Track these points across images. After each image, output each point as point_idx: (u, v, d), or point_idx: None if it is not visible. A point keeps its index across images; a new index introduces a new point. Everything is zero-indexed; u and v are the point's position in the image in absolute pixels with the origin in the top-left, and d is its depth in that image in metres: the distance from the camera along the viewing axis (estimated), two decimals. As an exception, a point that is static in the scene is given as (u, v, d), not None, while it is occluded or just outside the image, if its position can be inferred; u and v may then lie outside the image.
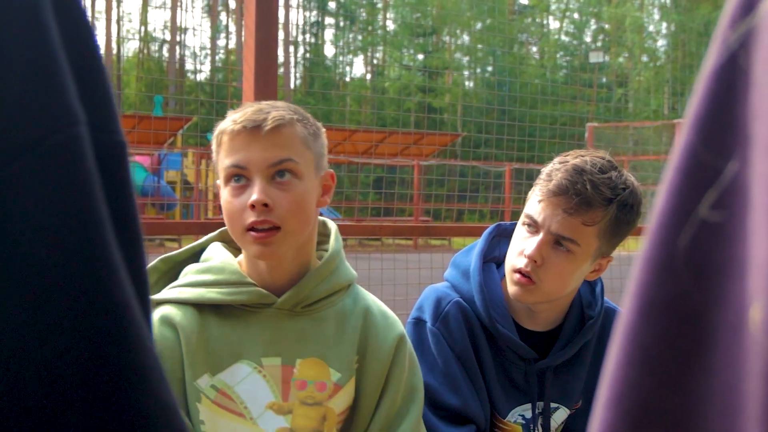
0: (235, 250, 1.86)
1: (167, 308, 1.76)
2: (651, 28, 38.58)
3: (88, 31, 0.56)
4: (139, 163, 16.83)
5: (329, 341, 1.80)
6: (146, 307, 0.56)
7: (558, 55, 41.30)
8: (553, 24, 44.61)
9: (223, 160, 1.72)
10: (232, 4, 41.41)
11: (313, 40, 45.01)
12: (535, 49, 42.08)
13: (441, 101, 31.53)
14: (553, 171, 1.94)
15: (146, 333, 0.53)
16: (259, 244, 1.69)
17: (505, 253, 2.05)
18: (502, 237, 2.16)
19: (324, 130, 1.84)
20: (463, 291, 2.08)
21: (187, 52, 40.81)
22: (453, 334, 2.04)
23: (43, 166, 0.49)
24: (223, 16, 43.18)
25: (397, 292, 5.30)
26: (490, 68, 36.54)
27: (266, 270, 1.78)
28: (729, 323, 0.39)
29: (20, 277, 0.48)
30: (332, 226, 1.93)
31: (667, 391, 0.41)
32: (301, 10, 43.03)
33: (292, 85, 39.38)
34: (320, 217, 1.89)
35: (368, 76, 43.01)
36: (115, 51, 33.80)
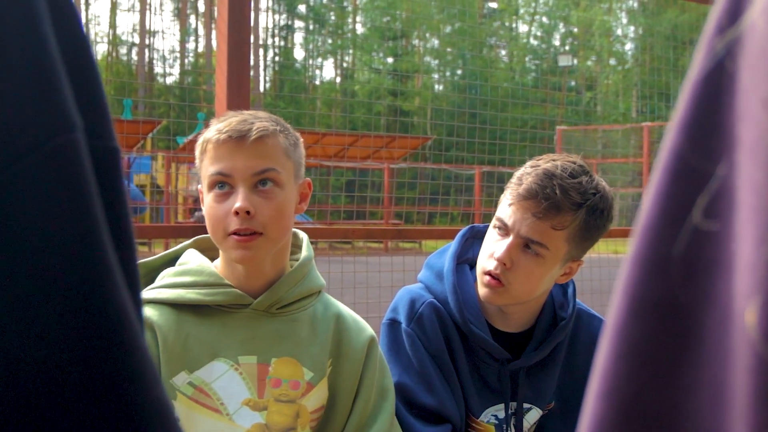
0: (211, 258, 1.91)
1: (144, 309, 1.78)
2: (619, 31, 38.76)
3: (83, 38, 0.57)
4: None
5: (303, 342, 1.86)
6: (139, 309, 0.57)
7: (527, 59, 41.38)
8: (522, 27, 44.73)
9: (207, 167, 1.78)
10: (202, 8, 41.24)
11: (282, 43, 44.84)
12: (504, 52, 42.11)
13: (411, 104, 31.50)
14: (523, 175, 1.96)
15: (140, 334, 0.54)
16: (241, 247, 1.75)
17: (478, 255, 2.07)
18: (475, 239, 2.17)
19: (302, 139, 1.90)
20: (437, 292, 2.10)
21: (156, 55, 40.59)
22: (427, 334, 2.05)
23: (41, 169, 0.50)
24: (192, 19, 42.98)
25: (369, 294, 5.30)
26: (459, 71, 36.61)
27: (243, 273, 1.83)
28: (716, 320, 0.40)
29: (18, 279, 0.48)
30: (303, 236, 2.00)
31: (657, 385, 0.42)
32: (270, 13, 42.89)
33: (261, 89, 39.22)
34: (293, 229, 1.94)
35: (338, 80, 42.91)
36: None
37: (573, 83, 36.05)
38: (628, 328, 0.44)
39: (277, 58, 43.94)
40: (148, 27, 39.94)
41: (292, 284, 1.86)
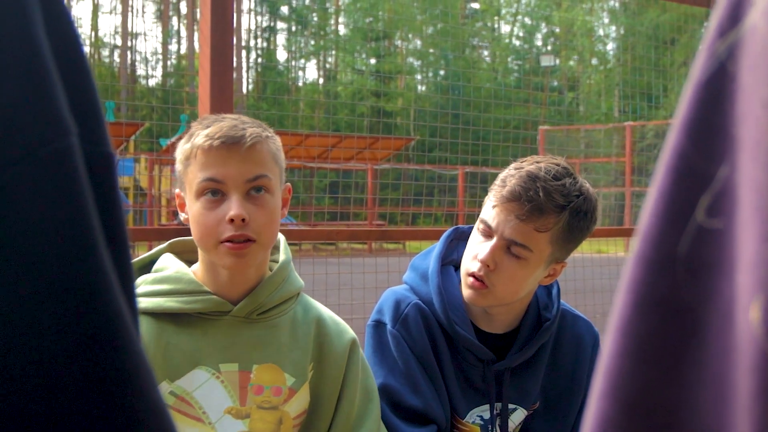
0: (187, 262, 1.89)
1: None
2: (600, 31, 38.84)
3: (77, 43, 0.57)
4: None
5: (283, 348, 1.85)
6: (134, 312, 0.57)
7: (509, 59, 41.41)
8: (504, 28, 44.82)
9: (196, 173, 1.74)
10: (184, 9, 41.14)
11: (265, 44, 44.80)
12: (486, 53, 42.18)
13: (394, 105, 31.50)
14: (507, 177, 1.97)
15: (136, 337, 0.54)
16: (234, 255, 1.73)
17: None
18: (460, 240, 2.18)
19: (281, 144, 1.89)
20: (422, 293, 2.10)
21: (139, 58, 40.44)
22: (413, 335, 2.05)
23: (35, 175, 0.50)
24: (174, 21, 42.87)
25: (354, 296, 5.30)
26: (442, 72, 36.64)
27: (227, 279, 1.82)
28: (720, 318, 0.41)
29: (14, 284, 0.49)
30: (281, 237, 1.98)
31: (661, 382, 0.43)
32: (252, 14, 42.81)
33: (244, 90, 39.14)
34: None
35: (321, 81, 42.87)
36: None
37: (555, 83, 36.14)
38: (633, 325, 0.44)
39: (259, 60, 43.88)
40: (130, 29, 39.83)
41: (272, 289, 1.85)
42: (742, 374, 0.39)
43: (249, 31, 42.62)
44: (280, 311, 1.87)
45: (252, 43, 43.53)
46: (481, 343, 2.07)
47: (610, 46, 39.27)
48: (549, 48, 42.40)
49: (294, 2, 41.34)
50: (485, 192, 2.05)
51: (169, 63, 41.35)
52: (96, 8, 37.82)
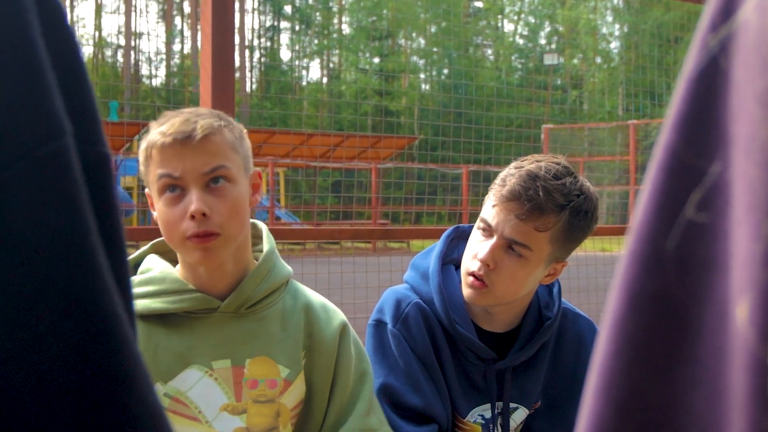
0: (171, 261, 1.88)
1: None
2: (604, 30, 38.84)
3: (73, 44, 0.57)
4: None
5: (275, 339, 1.84)
6: (130, 313, 0.56)
7: (513, 58, 41.42)
8: (508, 26, 44.80)
9: (154, 171, 1.73)
10: (187, 9, 41.16)
11: (268, 44, 44.82)
12: (490, 51, 42.15)
13: (397, 104, 31.49)
14: (507, 176, 1.96)
15: (132, 338, 0.54)
16: (200, 249, 1.71)
17: (463, 255, 2.07)
18: (460, 239, 2.17)
19: (246, 131, 1.87)
20: (423, 292, 2.09)
21: (142, 57, 40.52)
22: (413, 335, 2.05)
23: (31, 175, 0.50)
24: (177, 20, 42.90)
25: (357, 295, 5.30)
26: (445, 71, 36.64)
27: (206, 275, 1.80)
28: (712, 316, 0.41)
29: (9, 285, 0.49)
30: (262, 226, 1.97)
31: (654, 381, 0.42)
32: (256, 14, 42.86)
33: (248, 89, 39.18)
34: (251, 220, 1.91)
35: (324, 80, 42.91)
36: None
37: (559, 82, 36.12)
38: (625, 323, 0.44)
39: (263, 59, 43.92)
40: (133, 29, 39.88)
41: (258, 281, 1.83)
42: (735, 373, 0.39)
43: (252, 30, 42.70)
44: (269, 302, 1.86)
45: (255, 42, 43.61)
46: (482, 342, 2.06)
47: (614, 44, 39.28)
48: (553, 46, 42.38)
49: (297, 1, 41.39)
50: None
51: (172, 62, 41.40)
52: (99, 8, 37.88)
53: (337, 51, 42.23)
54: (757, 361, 0.37)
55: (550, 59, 36.59)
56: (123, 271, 0.57)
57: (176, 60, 41.79)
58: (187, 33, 41.40)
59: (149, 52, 40.49)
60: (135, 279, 1.83)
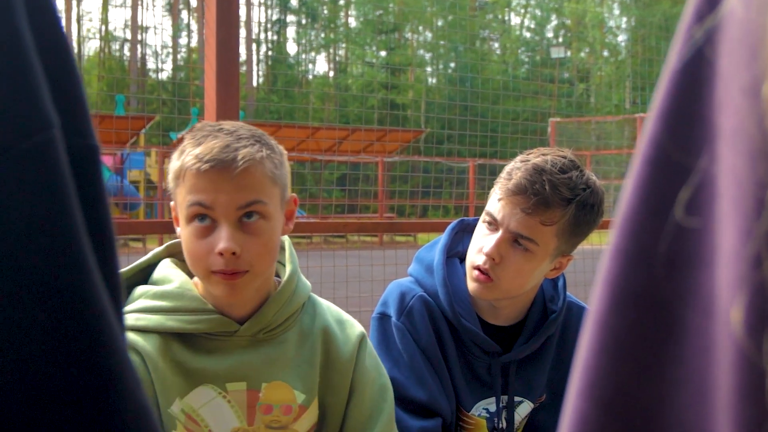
0: (185, 264, 1.78)
1: (127, 333, 1.70)
2: (611, 23, 38.76)
3: (61, 35, 0.56)
4: (102, 162, 16.68)
5: (292, 363, 1.77)
6: (119, 311, 0.56)
7: (519, 51, 41.37)
8: (515, 20, 44.72)
9: (185, 196, 1.63)
10: (193, 3, 41.16)
11: (275, 37, 44.83)
12: (496, 45, 42.13)
13: (404, 98, 31.53)
14: (513, 169, 1.95)
15: (120, 336, 0.53)
16: (225, 284, 1.63)
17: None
18: (465, 232, 2.16)
19: (286, 153, 1.76)
20: (427, 285, 2.09)
21: (149, 51, 40.54)
22: (417, 328, 2.04)
23: (16, 170, 0.49)
24: (184, 14, 42.90)
25: (362, 288, 5.30)
26: (452, 64, 36.61)
27: (227, 301, 1.72)
28: (699, 314, 0.40)
29: None
30: (286, 240, 1.88)
31: (639, 379, 0.42)
32: (263, 8, 42.84)
33: (255, 83, 39.21)
34: None
35: (331, 74, 42.88)
36: (75, 50, 33.49)
37: (566, 75, 36.07)
38: (610, 321, 0.43)
39: (269, 53, 43.91)
40: (140, 22, 39.91)
41: (279, 306, 1.75)
42: (722, 372, 0.38)
43: (259, 24, 42.66)
44: (287, 326, 1.78)
45: (262, 36, 43.62)
46: (486, 335, 2.06)
47: (621, 37, 39.23)
48: (560, 40, 42.32)
49: (304, -5, 41.39)
50: (496, 184, 2.03)
51: (178, 56, 41.44)
52: (106, 2, 37.89)
53: (343, 44, 42.22)
54: (749, 362, 0.36)
55: (557, 52, 36.55)
56: (112, 266, 0.56)
57: (182, 54, 41.84)
58: (194, 27, 41.42)
59: (155, 46, 40.47)
60: (149, 290, 1.75)
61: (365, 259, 5.82)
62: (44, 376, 0.49)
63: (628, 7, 37.21)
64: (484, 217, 2.00)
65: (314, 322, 1.84)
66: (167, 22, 42.34)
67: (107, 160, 16.27)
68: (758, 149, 0.37)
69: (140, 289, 1.76)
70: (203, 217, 1.62)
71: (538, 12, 43.13)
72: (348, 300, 4.91)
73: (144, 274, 1.82)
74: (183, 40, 42.32)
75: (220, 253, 1.60)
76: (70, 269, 0.50)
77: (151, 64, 41.05)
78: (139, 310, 1.71)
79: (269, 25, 43.91)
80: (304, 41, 43.07)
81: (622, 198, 0.44)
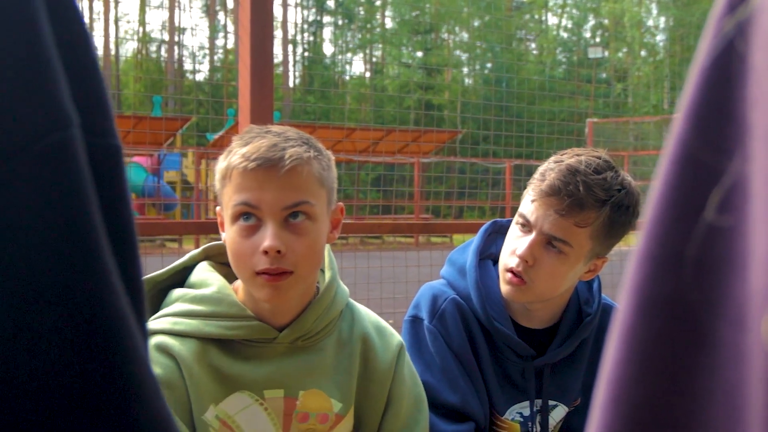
0: (223, 267, 1.79)
1: (163, 337, 1.68)
2: (650, 22, 38.52)
3: (83, 31, 0.55)
4: (139, 163, 16.86)
5: (329, 371, 1.76)
6: (141, 317, 0.54)
7: (557, 51, 41.24)
8: (552, 20, 44.58)
9: (231, 195, 1.62)
10: (230, 4, 41.40)
11: (311, 38, 45.02)
12: (533, 45, 42.02)
13: (440, 98, 31.51)
14: (546, 171, 1.92)
15: (141, 344, 0.52)
16: (270, 287, 1.61)
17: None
18: (498, 234, 2.14)
19: (333, 158, 1.75)
20: (460, 288, 2.07)
21: (186, 52, 40.81)
22: (450, 331, 2.02)
23: (33, 169, 0.47)
24: (221, 15, 43.20)
25: (397, 289, 5.29)
26: (489, 65, 36.58)
27: (268, 307, 1.71)
28: (730, 321, 0.38)
29: (9, 284, 0.47)
30: (326, 246, 1.84)
31: (668, 390, 0.40)
32: (299, 8, 43.05)
33: (291, 84, 39.37)
34: None
35: (367, 74, 42.95)
36: (113, 52, 33.85)
37: (603, 75, 35.89)
38: (637, 329, 0.41)
39: (306, 54, 44.11)
40: (177, 24, 40.21)
41: (318, 313, 1.74)
42: (755, 386, 0.36)
43: (296, 25, 42.85)
44: (326, 332, 1.77)
45: (298, 37, 43.81)
46: (520, 338, 2.04)
47: (660, 37, 38.96)
48: (597, 40, 42.12)
49: (340, -4, 41.53)
50: (532, 185, 2.01)
51: (215, 57, 41.72)
52: (143, 4, 38.22)
53: (380, 45, 42.31)
54: None
55: (594, 53, 36.37)
56: (133, 270, 0.54)
57: (219, 55, 42.10)
58: (230, 28, 41.64)
59: (192, 47, 40.76)
60: (186, 293, 1.74)
61: (400, 260, 5.81)
62: (61, 382, 0.48)
63: (666, 6, 36.95)
64: (517, 218, 1.98)
65: (353, 330, 1.82)
66: (204, 23, 42.75)
67: (144, 161, 16.42)
68: None
69: (177, 292, 1.75)
70: (248, 216, 1.61)
71: (575, 12, 42.98)
72: (382, 301, 4.91)
73: (180, 277, 1.81)
74: (220, 41, 42.66)
75: (265, 252, 1.58)
76: (88, 274, 0.49)
77: (188, 65, 41.33)
78: (177, 314, 1.70)
79: (306, 26, 44.13)
80: (340, 42, 43.26)
81: (650, 200, 0.42)
